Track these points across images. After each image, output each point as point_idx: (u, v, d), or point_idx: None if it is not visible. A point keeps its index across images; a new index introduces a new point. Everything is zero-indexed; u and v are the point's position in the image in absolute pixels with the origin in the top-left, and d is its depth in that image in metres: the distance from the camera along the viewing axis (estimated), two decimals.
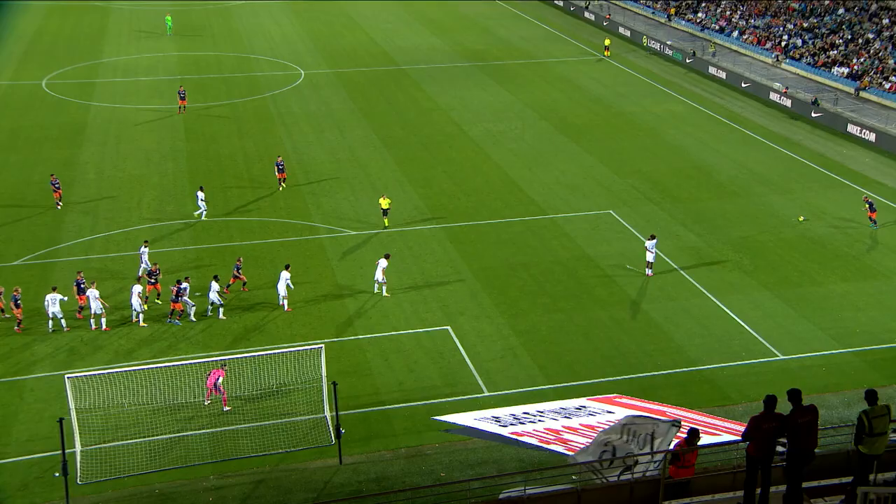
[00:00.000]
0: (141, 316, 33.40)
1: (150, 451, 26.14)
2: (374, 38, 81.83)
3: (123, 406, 27.42)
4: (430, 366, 31.18)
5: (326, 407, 27.19)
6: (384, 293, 35.56)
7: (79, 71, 69.96)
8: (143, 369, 28.62)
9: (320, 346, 27.63)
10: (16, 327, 33.00)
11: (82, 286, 33.72)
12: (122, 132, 56.21)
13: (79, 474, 24.55)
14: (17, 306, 32.85)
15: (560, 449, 18.00)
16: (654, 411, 20.99)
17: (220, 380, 27.95)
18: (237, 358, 29.22)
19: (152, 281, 34.98)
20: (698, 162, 51.95)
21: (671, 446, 16.69)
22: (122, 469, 25.19)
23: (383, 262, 35.69)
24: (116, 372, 27.96)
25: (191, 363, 29.30)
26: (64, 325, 32.85)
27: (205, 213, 43.00)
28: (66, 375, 26.43)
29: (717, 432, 18.73)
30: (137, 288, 33.41)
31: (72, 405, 25.30)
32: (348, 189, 47.08)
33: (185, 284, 33.36)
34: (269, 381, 28.80)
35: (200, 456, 26.13)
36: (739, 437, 16.53)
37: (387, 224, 41.96)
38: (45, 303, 32.83)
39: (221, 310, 33.81)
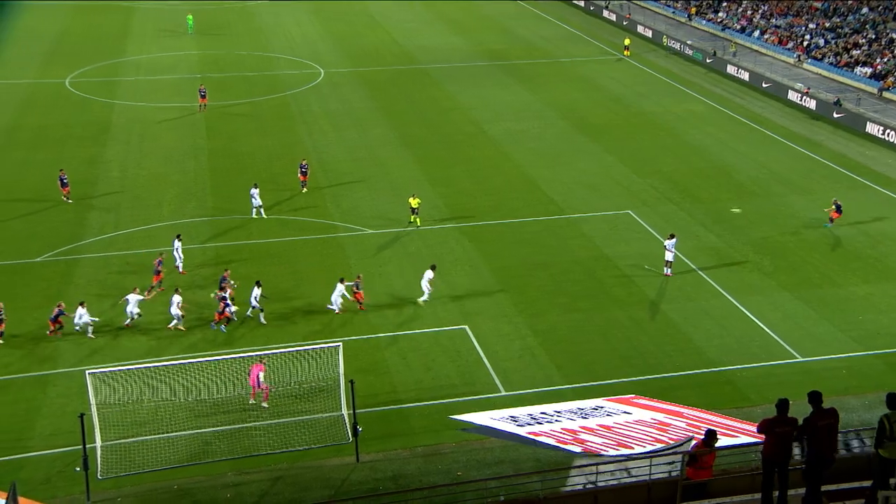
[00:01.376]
0: (181, 323, 33.06)
1: (170, 447, 26.27)
2: (395, 38, 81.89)
3: (143, 402, 27.58)
4: (447, 365, 31.15)
5: (344, 405, 27.23)
6: (422, 299, 34.95)
7: (102, 69, 70.47)
8: (163, 366, 28.77)
9: (338, 344, 27.67)
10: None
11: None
12: (145, 130, 56.56)
13: (99, 469, 24.71)
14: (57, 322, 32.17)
15: (576, 449, 17.91)
16: (672, 412, 20.86)
17: (262, 375, 28.05)
18: (255, 355, 29.30)
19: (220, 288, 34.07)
20: (718, 162, 51.61)
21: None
22: (141, 464, 25.34)
23: (429, 273, 35.01)
24: (137, 368, 28.12)
25: (210, 360, 29.42)
26: (90, 332, 32.41)
27: (262, 209, 42.96)
28: (87, 371, 26.62)
29: (736, 434, 18.57)
30: (177, 298, 32.92)
31: (92, 401, 25.47)
32: (368, 188, 47.12)
33: (226, 294, 33.21)
34: (286, 378, 28.87)
35: (219, 452, 26.24)
36: (758, 440, 16.39)
37: (419, 223, 41.91)
38: (74, 317, 32.14)
39: (262, 314, 33.47)
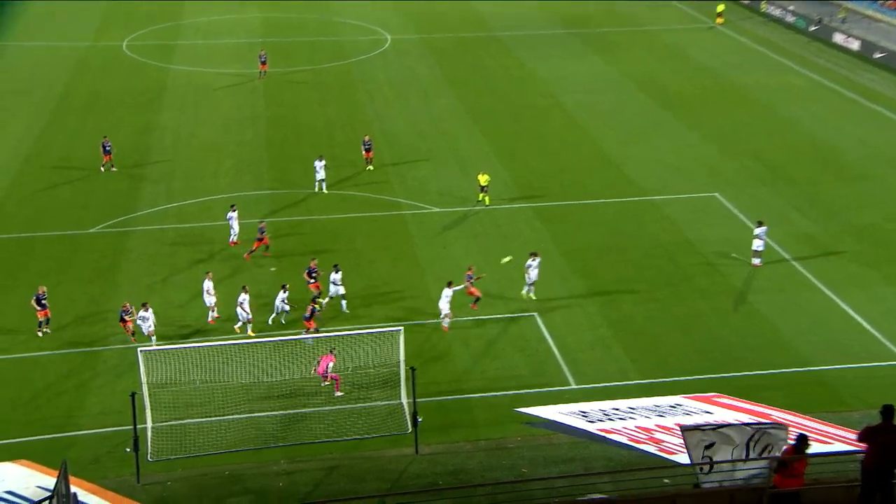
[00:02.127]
0: (249, 326, 31.84)
1: (221, 431, 26.83)
2: (466, 3, 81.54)
3: (196, 383, 28.19)
4: (515, 354, 31.13)
5: (403, 393, 27.44)
6: (531, 295, 33.96)
7: (159, 32, 71.83)
8: (216, 346, 29.34)
9: (399, 328, 27.84)
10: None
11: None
12: (201, 97, 57.52)
13: (149, 451, 25.37)
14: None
15: (652, 449, 17.75)
16: (758, 413, 20.53)
17: (331, 365, 28.39)
18: (313, 338, 29.68)
19: (311, 280, 33.53)
20: (818, 140, 50.28)
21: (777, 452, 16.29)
22: (192, 448, 25.94)
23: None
24: (190, 348, 28.74)
25: (264, 342, 29.92)
26: (153, 339, 30.98)
27: (324, 183, 43.27)
28: (140, 349, 27.31)
29: (830, 440, 18.17)
30: (244, 297, 31.75)
31: (143, 380, 26.13)
32: (433, 163, 47.19)
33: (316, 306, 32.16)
34: (344, 363, 29.20)
35: (272, 438, 26.71)
36: (856, 448, 16.01)
37: (487, 202, 41.83)
38: (138, 320, 31.09)
39: (284, 318, 32.39)
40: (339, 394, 28.54)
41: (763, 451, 16.30)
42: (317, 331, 31.10)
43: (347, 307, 33.50)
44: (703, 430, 16.57)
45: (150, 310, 31.08)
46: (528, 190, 44.06)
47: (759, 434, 16.39)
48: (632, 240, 39.11)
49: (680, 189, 44.07)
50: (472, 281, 32.89)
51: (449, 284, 31.99)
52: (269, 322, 32.43)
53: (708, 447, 16.41)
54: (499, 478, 24.92)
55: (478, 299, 33.00)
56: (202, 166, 47.06)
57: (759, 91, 58.35)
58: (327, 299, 33.41)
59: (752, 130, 51.70)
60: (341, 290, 33.46)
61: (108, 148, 45.93)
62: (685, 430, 16.56)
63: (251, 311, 31.92)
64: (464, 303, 32.97)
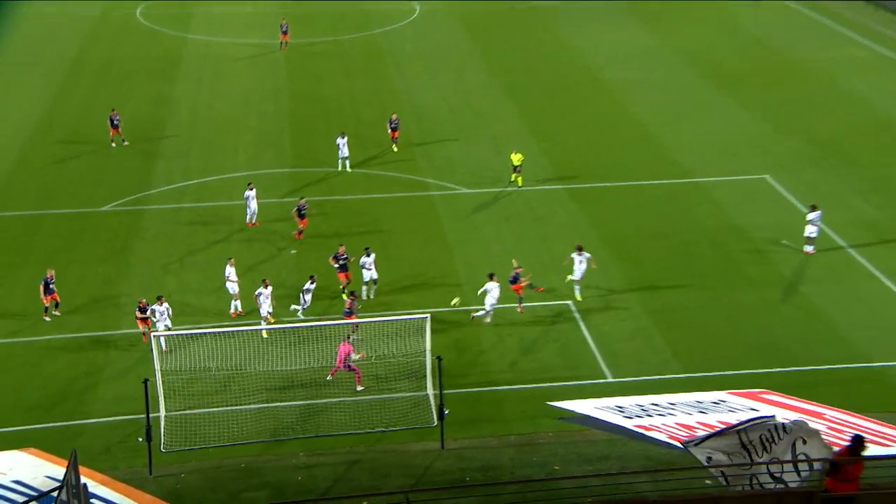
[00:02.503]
0: (264, 322, 31.37)
1: (238, 421, 27.12)
2: None
3: (211, 371, 28.51)
4: (548, 344, 31.18)
5: (430, 384, 27.57)
6: (577, 295, 33.48)
7: None
8: (233, 331, 29.64)
9: (426, 315, 27.92)
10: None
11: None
12: (219, 67, 57.87)
13: (162, 441, 25.72)
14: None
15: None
16: (809, 412, 20.41)
17: (352, 356, 28.51)
18: (333, 325, 29.85)
19: (338, 266, 33.06)
20: (885, 119, 49.58)
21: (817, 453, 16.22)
22: (207, 438, 26.26)
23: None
24: (205, 333, 29.06)
25: (286, 328, 30.16)
26: (163, 344, 29.38)
27: (348, 161, 43.47)
28: (153, 333, 27.66)
29: (889, 443, 18.04)
30: (266, 292, 31.20)
31: (157, 366, 26.45)
32: (464, 141, 47.18)
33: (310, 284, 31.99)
34: (367, 352, 29.39)
35: (291, 430, 26.98)
36: None
37: (520, 183, 41.83)
38: (156, 315, 30.49)
39: (301, 311, 32.02)
40: (360, 388, 28.63)
41: (788, 448, 16.27)
42: (356, 327, 30.19)
43: (374, 293, 33.65)
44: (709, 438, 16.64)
45: (166, 303, 30.71)
46: (564, 170, 43.95)
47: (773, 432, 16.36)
48: (675, 225, 38.93)
49: (728, 170, 43.76)
50: (520, 280, 32.12)
51: (491, 277, 31.65)
52: (299, 314, 32.00)
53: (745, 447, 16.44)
54: (529, 475, 25.02)
55: (531, 285, 32.52)
56: (220, 142, 47.39)
57: (817, 65, 57.66)
58: (364, 288, 33.40)
59: (808, 107, 51.16)
60: (374, 275, 33.45)
61: (115, 121, 46.11)
62: (694, 445, 16.63)
63: (271, 305, 31.47)
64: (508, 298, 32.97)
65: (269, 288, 31.48)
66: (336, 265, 33.52)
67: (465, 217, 39.70)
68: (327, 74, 56.78)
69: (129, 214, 40.06)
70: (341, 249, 33.68)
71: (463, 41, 62.90)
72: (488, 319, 32.12)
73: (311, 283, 32.02)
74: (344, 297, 32.26)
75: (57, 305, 32.52)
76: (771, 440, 16.19)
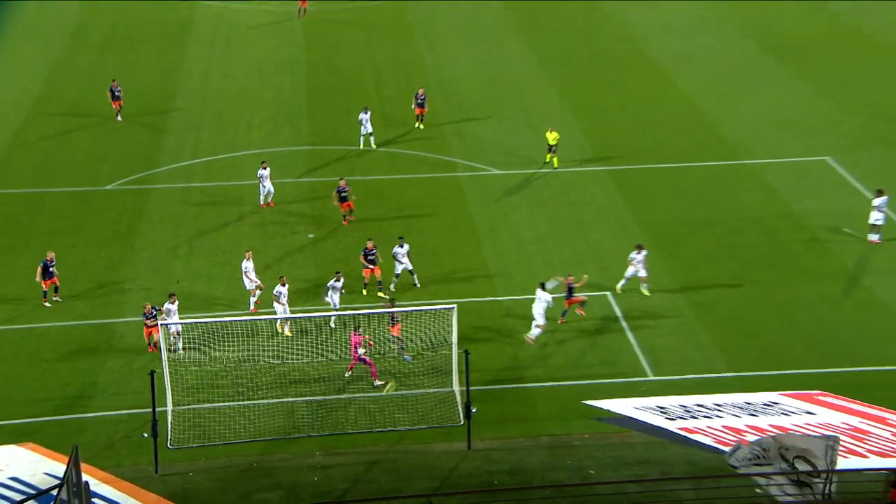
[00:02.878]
0: (285, 325, 30.92)
1: (250, 417, 27.28)
2: None
3: (222, 362, 28.70)
4: (583, 338, 31.16)
5: (456, 380, 27.60)
6: (644, 290, 33.07)
7: None
8: (246, 321, 29.78)
9: (452, 305, 27.88)
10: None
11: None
12: (233, 35, 58.11)
13: (169, 437, 25.91)
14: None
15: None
16: (871, 417, 20.33)
17: (362, 351, 28.64)
18: (353, 314, 29.94)
19: (368, 264, 32.90)
20: None
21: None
22: (216, 435, 26.43)
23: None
24: (215, 321, 29.21)
25: (299, 317, 30.28)
26: (180, 346, 29.64)
27: (372, 137, 43.59)
28: (160, 322, 27.86)
29: None
30: (283, 290, 30.63)
31: (164, 357, 26.64)
32: (496, 117, 47.14)
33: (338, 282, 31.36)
34: (389, 344, 29.48)
35: (307, 427, 27.11)
36: None
37: (556, 164, 41.75)
38: (170, 315, 29.86)
39: (334, 320, 30.88)
40: (378, 383, 28.64)
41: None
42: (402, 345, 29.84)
43: (417, 282, 33.39)
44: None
45: (177, 303, 30.22)
46: (605, 150, 43.81)
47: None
48: (724, 211, 38.75)
49: (784, 151, 43.45)
50: (570, 290, 31.31)
51: (542, 287, 30.70)
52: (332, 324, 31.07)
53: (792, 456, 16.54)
54: (562, 479, 25.04)
55: (583, 303, 31.77)
56: (233, 116, 47.61)
57: (886, 34, 57.00)
58: (393, 280, 33.21)
59: (878, 81, 50.62)
60: (408, 266, 33.21)
61: (117, 93, 46.37)
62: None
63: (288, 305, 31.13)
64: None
65: (286, 286, 31.02)
66: (366, 263, 32.95)
67: (495, 201, 39.66)
68: (348, 45, 56.81)
69: (135, 194, 40.36)
70: (370, 244, 33.02)
71: (497, 9, 62.63)
72: (535, 333, 30.67)
73: (337, 280, 31.46)
74: (381, 294, 32.32)
75: (56, 290, 32.79)
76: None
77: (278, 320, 30.89)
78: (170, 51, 55.62)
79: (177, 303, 30.18)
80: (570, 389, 28.72)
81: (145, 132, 45.72)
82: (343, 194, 37.23)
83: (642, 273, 33.13)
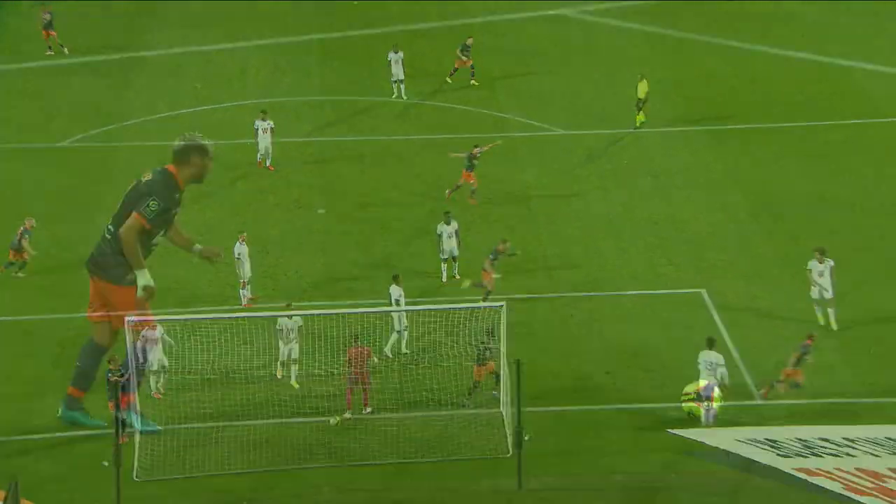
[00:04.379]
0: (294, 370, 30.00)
1: (239, 440, 27.27)
2: None
3: (205, 371, 28.63)
4: (668, 348, 30.95)
5: (504, 398, 27.56)
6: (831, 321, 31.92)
7: None
8: (232, 318, 29.73)
9: (501, 303, 27.83)
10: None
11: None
12: None
13: (136, 466, 25.91)
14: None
15: None
16: None
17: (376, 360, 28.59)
18: (374, 313, 29.89)
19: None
20: None
21: None
22: (195, 464, 26.39)
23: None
24: (197, 319, 29.19)
25: (305, 314, 30.22)
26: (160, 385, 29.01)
27: (403, 85, 43.82)
28: (127, 318, 27.78)
29: None
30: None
31: (132, 366, 26.59)
32: (563, 66, 47.36)
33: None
34: (420, 351, 29.41)
35: (311, 455, 27.03)
36: None
37: (642, 120, 41.77)
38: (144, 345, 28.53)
39: (404, 342, 30.74)
40: (367, 410, 28.19)
41: None
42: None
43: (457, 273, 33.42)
44: None
45: (161, 329, 28.52)
46: (705, 107, 44.11)
47: None
48: (861, 185, 38.67)
49: None
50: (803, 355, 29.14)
51: (710, 345, 28.54)
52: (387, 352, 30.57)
53: None
54: None
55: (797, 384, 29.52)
56: (223, 57, 47.70)
57: None
58: (443, 267, 33.46)
59: None
60: (454, 251, 33.31)
61: (47, 19, 46.51)
62: None
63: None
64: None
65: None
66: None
67: (559, 170, 39.64)
68: None
69: (97, 153, 40.58)
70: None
71: None
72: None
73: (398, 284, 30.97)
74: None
75: (22, 267, 33.29)
76: None
77: (278, 363, 29.81)
78: None
79: (162, 329, 28.61)
80: (650, 414, 28.62)
81: (112, 77, 45.96)
82: (474, 161, 37.03)
83: (829, 293, 31.64)
